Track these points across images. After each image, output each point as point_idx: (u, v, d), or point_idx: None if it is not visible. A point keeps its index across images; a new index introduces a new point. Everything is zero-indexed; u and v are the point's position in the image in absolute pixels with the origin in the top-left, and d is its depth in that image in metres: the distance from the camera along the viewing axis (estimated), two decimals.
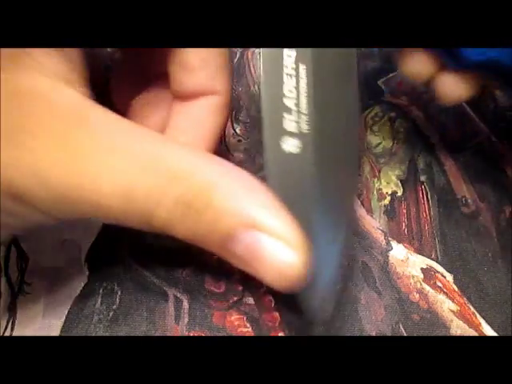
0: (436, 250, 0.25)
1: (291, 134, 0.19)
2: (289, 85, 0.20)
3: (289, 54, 0.20)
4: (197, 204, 0.17)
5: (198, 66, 0.21)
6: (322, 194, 0.20)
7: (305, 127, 0.19)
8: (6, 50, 0.18)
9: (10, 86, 0.17)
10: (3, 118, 0.17)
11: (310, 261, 0.17)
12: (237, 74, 0.31)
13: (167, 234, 0.18)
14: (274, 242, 0.17)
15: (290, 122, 0.19)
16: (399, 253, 0.25)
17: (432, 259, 0.25)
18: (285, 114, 0.19)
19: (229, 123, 0.29)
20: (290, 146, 0.19)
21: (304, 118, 0.19)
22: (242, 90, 0.30)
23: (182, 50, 0.21)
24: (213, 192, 0.17)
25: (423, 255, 0.25)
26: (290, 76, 0.20)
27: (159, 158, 0.18)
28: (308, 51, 0.20)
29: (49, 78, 0.18)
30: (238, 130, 0.29)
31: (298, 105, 0.20)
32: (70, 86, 0.18)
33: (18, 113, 0.17)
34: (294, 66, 0.20)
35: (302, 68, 0.20)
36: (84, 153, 0.17)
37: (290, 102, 0.19)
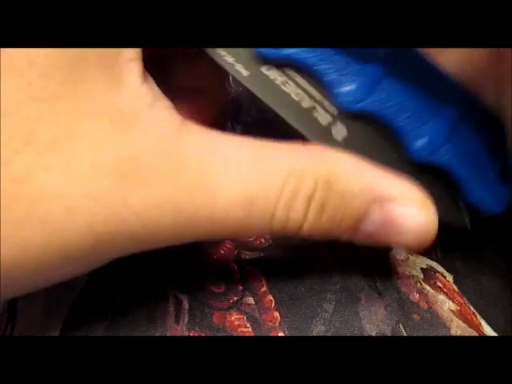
0: (436, 250, 0.25)
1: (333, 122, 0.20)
2: (292, 89, 0.20)
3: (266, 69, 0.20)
4: (322, 194, 0.17)
5: None
6: None
7: (333, 111, 0.20)
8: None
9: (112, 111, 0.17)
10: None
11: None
12: None
13: (289, 234, 0.18)
14: (407, 207, 0.18)
15: (321, 116, 0.20)
16: (399, 253, 0.25)
17: (432, 259, 0.25)
18: (314, 113, 0.20)
19: (229, 123, 0.29)
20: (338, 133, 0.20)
21: (326, 102, 0.20)
22: (242, 89, 0.30)
23: None
24: (335, 177, 0.18)
25: (423, 255, 0.25)
26: (286, 83, 0.20)
27: (270, 159, 0.18)
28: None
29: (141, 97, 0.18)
30: (238, 130, 0.29)
31: (315, 98, 0.20)
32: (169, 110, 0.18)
33: (128, 144, 0.16)
34: (279, 73, 0.20)
35: (286, 70, 0.20)
36: (196, 171, 0.17)
37: (306, 102, 0.20)
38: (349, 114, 0.20)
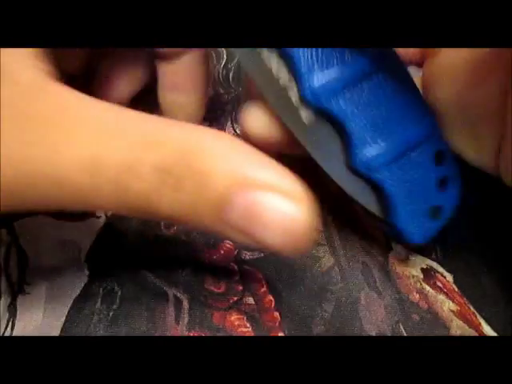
0: (436, 250, 0.25)
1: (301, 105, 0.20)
2: (274, 66, 0.20)
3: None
4: (180, 170, 0.15)
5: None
6: None
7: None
8: None
9: None
10: None
11: (317, 214, 0.16)
12: (237, 73, 0.31)
13: (148, 213, 0.16)
14: (276, 196, 0.15)
15: (294, 97, 0.20)
16: (399, 253, 0.25)
17: (432, 259, 0.25)
18: (289, 92, 0.20)
19: (229, 123, 0.29)
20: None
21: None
22: (242, 89, 0.30)
23: None
24: (197, 154, 0.15)
25: (423, 255, 0.25)
26: (270, 58, 0.20)
27: (130, 125, 0.16)
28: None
29: (13, 54, 0.17)
30: (238, 130, 0.29)
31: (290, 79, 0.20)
32: (34, 62, 0.17)
33: None
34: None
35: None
36: (42, 125, 0.15)
37: (284, 80, 0.20)
38: (311, 106, 0.20)
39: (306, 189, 0.16)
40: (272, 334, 0.23)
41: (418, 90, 0.21)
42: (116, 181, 0.15)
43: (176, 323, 0.23)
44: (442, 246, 0.25)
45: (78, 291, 0.23)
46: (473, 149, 0.22)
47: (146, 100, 0.25)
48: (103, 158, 0.15)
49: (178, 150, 0.15)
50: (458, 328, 0.23)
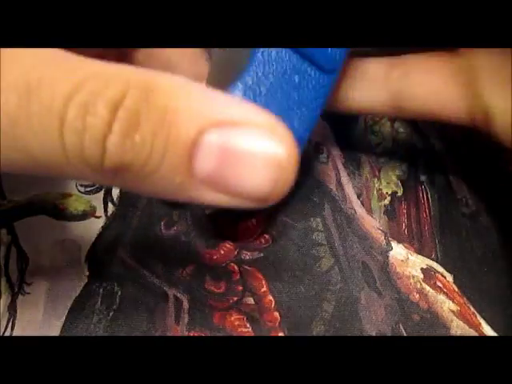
0: (436, 250, 0.25)
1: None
2: None
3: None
4: (137, 105, 0.13)
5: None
6: None
7: None
8: None
9: None
10: None
11: (298, 156, 0.14)
12: None
13: (92, 159, 0.13)
14: (254, 133, 0.13)
15: None
16: (399, 253, 0.25)
17: (432, 259, 0.25)
18: None
19: None
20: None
21: None
22: None
23: None
24: (158, 90, 0.13)
25: (423, 255, 0.25)
26: None
27: (72, 58, 0.14)
28: None
29: None
30: None
31: None
32: None
33: None
34: None
35: None
36: None
37: None
38: None
39: (285, 127, 0.14)
40: (272, 334, 0.23)
41: None
42: (58, 112, 0.13)
43: (176, 323, 0.23)
44: (442, 246, 0.25)
45: (78, 291, 0.23)
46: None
47: None
48: (39, 85, 0.13)
49: (132, 83, 0.13)
50: (458, 328, 0.23)
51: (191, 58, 0.22)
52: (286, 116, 0.18)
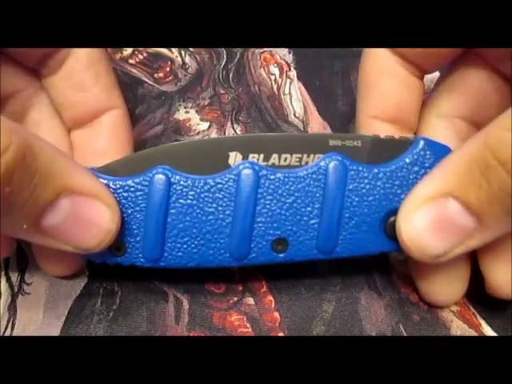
0: None
1: None
2: None
3: None
4: (16, 165, 0.16)
5: (91, 83, 0.22)
6: None
7: None
8: None
9: None
10: None
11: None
12: (237, 73, 0.31)
13: None
14: (93, 202, 0.18)
15: None
16: (399, 253, 0.25)
17: None
18: None
19: (229, 123, 0.29)
20: None
21: None
22: (242, 90, 0.30)
23: (71, 70, 0.21)
24: (32, 152, 0.16)
25: None
26: None
27: None
28: None
29: None
30: (238, 131, 0.29)
31: None
32: None
33: None
34: None
35: None
36: None
37: None
38: None
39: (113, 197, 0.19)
40: (272, 334, 0.23)
41: None
42: None
43: (176, 323, 0.23)
44: None
45: (78, 291, 0.23)
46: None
47: None
48: None
49: (16, 143, 0.16)
50: (458, 328, 0.23)
51: (104, 85, 0.22)
52: None
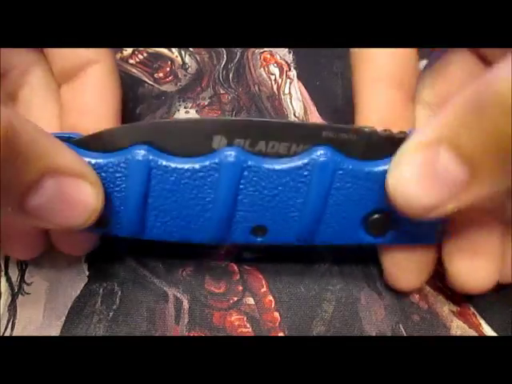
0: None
1: None
2: None
3: None
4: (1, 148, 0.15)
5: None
6: None
7: None
8: None
9: None
10: None
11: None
12: (237, 73, 0.31)
13: None
14: (77, 181, 0.18)
15: None
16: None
17: None
18: None
19: None
20: None
21: None
22: (242, 90, 0.30)
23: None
24: (14, 134, 0.16)
25: None
26: None
27: None
28: None
29: None
30: None
31: None
32: None
33: None
34: None
35: None
36: None
37: None
38: None
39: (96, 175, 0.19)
40: (272, 334, 0.23)
41: None
42: None
43: (176, 323, 0.23)
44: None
45: (78, 291, 0.23)
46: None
47: None
48: None
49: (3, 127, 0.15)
50: (458, 328, 0.23)
51: None
52: None
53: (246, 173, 0.19)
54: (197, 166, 0.19)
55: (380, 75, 0.22)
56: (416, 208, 0.18)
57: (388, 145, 0.19)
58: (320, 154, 0.19)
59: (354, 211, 0.20)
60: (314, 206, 0.20)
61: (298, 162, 0.19)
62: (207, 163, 0.19)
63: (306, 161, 0.19)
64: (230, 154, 0.19)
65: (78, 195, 0.18)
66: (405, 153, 0.18)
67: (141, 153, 0.19)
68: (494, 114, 0.15)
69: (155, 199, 0.20)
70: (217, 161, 0.19)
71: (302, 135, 0.19)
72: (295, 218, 0.20)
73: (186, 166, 0.19)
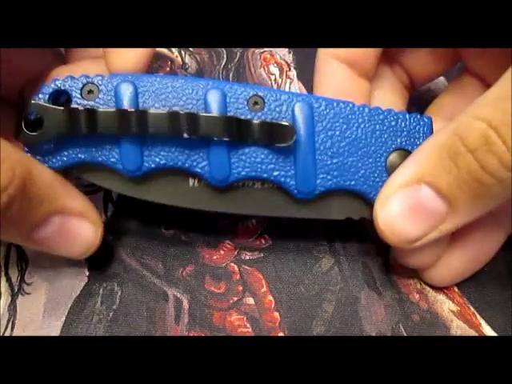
0: None
1: None
2: None
3: None
4: (16, 195, 0.18)
5: None
6: None
7: None
8: None
9: None
10: None
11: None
12: (237, 73, 0.31)
13: None
14: (80, 220, 0.21)
15: None
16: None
17: None
18: None
19: None
20: None
21: None
22: None
23: None
24: (31, 181, 0.19)
25: None
26: None
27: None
28: None
29: None
30: None
31: None
32: None
33: None
34: None
35: None
36: None
37: None
38: None
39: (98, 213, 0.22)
40: (272, 334, 0.23)
41: None
42: None
43: (176, 323, 0.23)
44: None
45: (78, 291, 0.23)
46: None
47: None
48: None
49: (15, 176, 0.18)
50: (458, 328, 0.23)
51: None
52: None
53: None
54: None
55: (335, 52, 0.23)
56: (404, 240, 0.20)
57: None
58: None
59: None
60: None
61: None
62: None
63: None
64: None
65: (79, 231, 0.21)
66: (390, 191, 0.20)
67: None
68: (467, 160, 0.18)
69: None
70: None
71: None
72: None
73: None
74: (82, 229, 0.21)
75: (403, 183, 0.20)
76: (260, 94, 0.20)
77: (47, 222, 0.20)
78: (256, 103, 0.20)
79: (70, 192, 0.21)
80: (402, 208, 0.20)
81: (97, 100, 0.20)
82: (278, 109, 0.20)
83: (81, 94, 0.20)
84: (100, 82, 0.20)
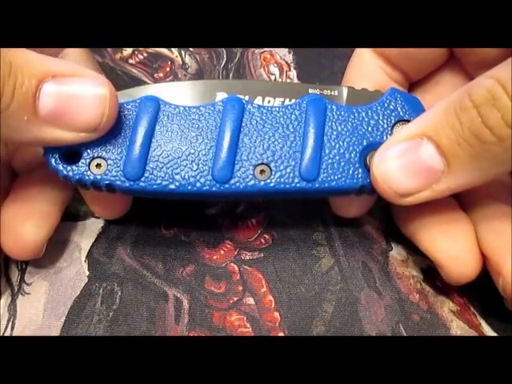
0: None
1: None
2: None
3: None
4: None
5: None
6: None
7: None
8: None
9: None
10: None
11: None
12: (237, 73, 0.31)
13: None
14: (81, 80, 0.19)
15: None
16: (399, 253, 0.25)
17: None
18: None
19: None
20: None
21: None
22: None
23: None
24: (8, 53, 0.17)
25: (423, 255, 0.25)
26: None
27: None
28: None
29: None
30: None
31: None
32: None
33: None
34: None
35: None
36: None
37: None
38: None
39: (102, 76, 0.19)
40: (272, 334, 0.23)
41: None
42: None
43: (176, 323, 0.23)
44: None
45: (78, 291, 0.23)
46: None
47: None
48: None
49: None
50: (458, 328, 0.23)
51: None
52: None
53: (247, 109, 0.21)
54: (203, 108, 0.21)
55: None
56: (394, 192, 0.20)
57: (365, 96, 0.22)
58: (311, 97, 0.22)
59: (351, 146, 0.21)
60: (313, 140, 0.21)
61: (294, 104, 0.21)
62: (212, 105, 0.21)
63: (299, 101, 0.21)
64: (233, 98, 0.21)
65: (80, 90, 0.18)
66: (391, 141, 0.20)
67: (151, 97, 0.21)
68: (471, 115, 0.18)
69: (160, 138, 0.21)
70: (220, 103, 0.21)
71: (292, 91, 0.22)
72: (296, 155, 0.21)
73: (193, 109, 0.21)
74: (82, 86, 0.19)
75: (405, 136, 0.20)
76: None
77: (42, 92, 0.18)
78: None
79: (50, 58, 0.19)
80: (399, 160, 0.19)
81: None
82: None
83: None
84: None
